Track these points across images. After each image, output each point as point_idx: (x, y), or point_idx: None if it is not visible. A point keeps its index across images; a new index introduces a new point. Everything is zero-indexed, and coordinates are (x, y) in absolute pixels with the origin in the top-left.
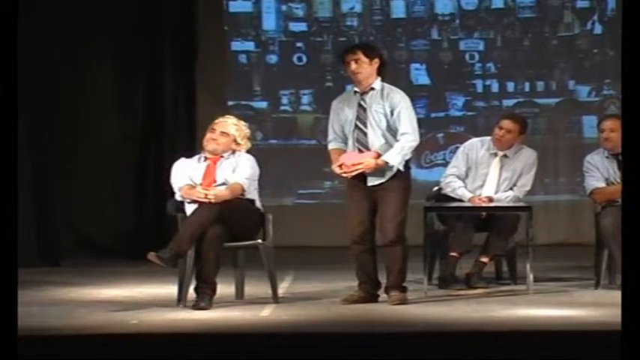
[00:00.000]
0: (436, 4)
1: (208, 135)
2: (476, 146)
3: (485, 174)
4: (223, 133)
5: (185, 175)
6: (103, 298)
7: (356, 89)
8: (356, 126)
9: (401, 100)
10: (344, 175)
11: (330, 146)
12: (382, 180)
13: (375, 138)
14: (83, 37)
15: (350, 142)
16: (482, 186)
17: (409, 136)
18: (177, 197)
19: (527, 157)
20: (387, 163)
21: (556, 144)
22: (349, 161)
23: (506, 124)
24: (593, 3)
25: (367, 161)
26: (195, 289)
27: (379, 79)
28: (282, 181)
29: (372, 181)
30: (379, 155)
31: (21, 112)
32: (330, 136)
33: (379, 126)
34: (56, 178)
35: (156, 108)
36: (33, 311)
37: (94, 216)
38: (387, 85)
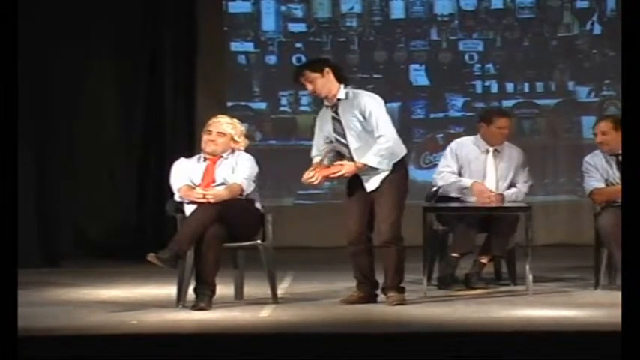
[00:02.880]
0: (435, 4)
1: (205, 137)
2: (464, 144)
3: (480, 170)
4: (220, 134)
5: (184, 175)
6: (102, 299)
7: (327, 103)
8: (336, 139)
9: (367, 101)
10: (309, 181)
11: (314, 162)
12: (378, 184)
13: (357, 144)
14: (83, 39)
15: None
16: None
17: (383, 139)
18: (177, 198)
19: (516, 156)
20: (365, 165)
21: (555, 144)
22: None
23: (505, 122)
24: (592, 3)
25: (348, 165)
26: (195, 290)
27: (342, 86)
28: (282, 182)
29: (370, 187)
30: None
31: (21, 113)
32: (314, 152)
33: (357, 132)
34: (56, 178)
35: (156, 109)
36: (33, 311)
37: (94, 216)
38: (351, 91)
